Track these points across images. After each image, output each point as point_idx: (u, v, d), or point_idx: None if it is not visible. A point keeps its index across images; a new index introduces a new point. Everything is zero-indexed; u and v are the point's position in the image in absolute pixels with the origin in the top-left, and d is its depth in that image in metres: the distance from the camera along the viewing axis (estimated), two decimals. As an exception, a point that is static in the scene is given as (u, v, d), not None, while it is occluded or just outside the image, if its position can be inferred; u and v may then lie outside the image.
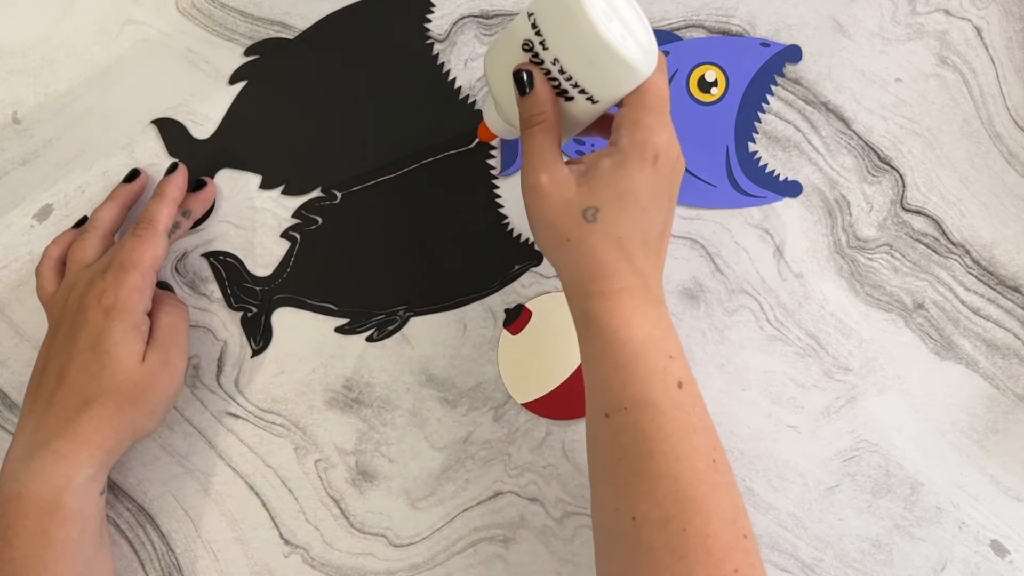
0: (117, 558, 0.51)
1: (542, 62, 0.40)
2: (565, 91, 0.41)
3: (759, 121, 0.53)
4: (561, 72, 0.40)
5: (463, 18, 0.54)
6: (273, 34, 0.54)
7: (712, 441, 0.41)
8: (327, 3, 0.54)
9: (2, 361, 0.53)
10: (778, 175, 0.53)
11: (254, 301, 0.53)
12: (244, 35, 0.54)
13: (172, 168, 0.52)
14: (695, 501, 0.39)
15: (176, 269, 0.53)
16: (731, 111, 0.53)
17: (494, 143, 0.53)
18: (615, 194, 0.41)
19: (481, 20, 0.54)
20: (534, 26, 0.40)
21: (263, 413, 0.53)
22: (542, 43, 0.40)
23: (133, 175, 0.52)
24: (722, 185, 0.53)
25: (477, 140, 0.53)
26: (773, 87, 0.53)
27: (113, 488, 0.52)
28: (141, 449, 0.52)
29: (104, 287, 0.46)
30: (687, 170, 0.53)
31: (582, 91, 0.41)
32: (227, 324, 0.53)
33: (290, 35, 0.54)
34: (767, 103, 0.53)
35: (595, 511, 0.43)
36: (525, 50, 0.41)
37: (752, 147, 0.53)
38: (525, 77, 0.41)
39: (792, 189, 0.53)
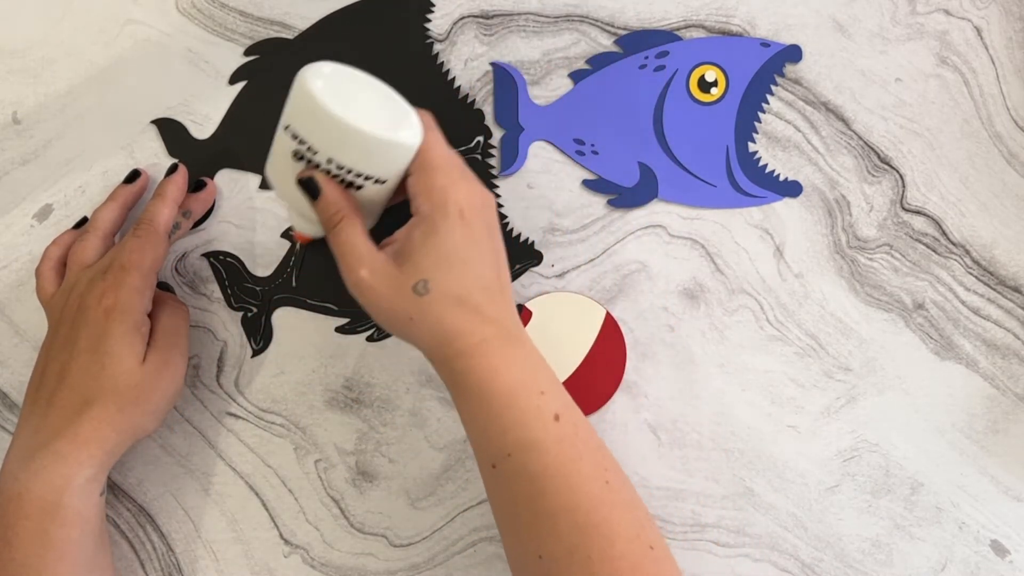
0: (117, 558, 0.51)
1: (319, 164, 0.41)
2: (352, 182, 0.42)
3: (759, 121, 0.53)
4: (340, 167, 0.41)
5: (463, 18, 0.54)
6: (273, 34, 0.54)
7: (602, 462, 0.42)
8: (327, 3, 0.54)
9: (2, 361, 0.53)
10: (778, 175, 0.53)
11: (254, 301, 0.53)
12: (244, 35, 0.54)
13: (172, 169, 0.52)
14: (595, 527, 0.40)
15: (176, 269, 0.53)
16: (731, 111, 0.53)
17: (493, 142, 0.53)
18: (435, 261, 0.41)
19: (481, 20, 0.54)
20: (295, 137, 0.41)
21: (263, 413, 0.53)
22: (309, 149, 0.41)
23: (133, 176, 0.52)
24: (722, 185, 0.53)
25: (476, 140, 0.53)
26: (773, 87, 0.53)
27: (113, 488, 0.52)
28: (141, 449, 0.52)
29: (104, 288, 0.46)
30: (687, 170, 0.53)
31: (367, 177, 0.42)
32: (227, 324, 0.53)
33: (290, 35, 0.54)
34: (767, 103, 0.53)
35: (508, 557, 0.43)
36: (299, 159, 0.42)
37: (752, 147, 0.53)
38: (310, 185, 0.42)
39: (792, 189, 0.53)
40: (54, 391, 0.45)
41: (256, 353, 0.53)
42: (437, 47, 0.54)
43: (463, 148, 0.53)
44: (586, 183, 0.53)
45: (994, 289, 0.54)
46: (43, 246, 0.51)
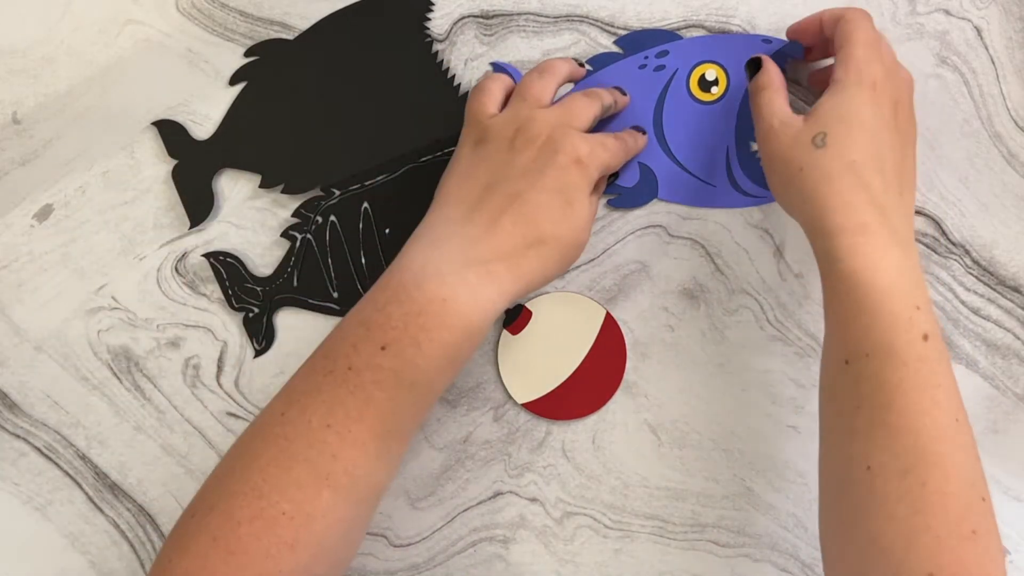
0: (117, 558, 0.51)
1: None
2: None
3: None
4: None
5: (463, 18, 0.54)
6: (273, 34, 0.54)
7: (956, 400, 0.40)
8: (327, 3, 0.54)
9: (2, 361, 0.53)
10: None
11: (255, 301, 0.53)
12: (244, 35, 0.54)
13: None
14: (936, 456, 0.38)
15: (176, 269, 0.53)
16: (732, 110, 0.53)
17: None
18: (838, 117, 0.43)
19: (481, 20, 0.54)
20: None
21: (263, 413, 0.52)
22: None
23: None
24: (722, 185, 0.53)
25: None
26: None
27: (113, 488, 0.52)
28: (141, 449, 0.52)
29: (581, 143, 0.45)
30: (687, 170, 0.53)
31: None
32: (227, 324, 0.53)
33: (290, 35, 0.54)
34: None
35: (824, 460, 0.42)
36: None
37: (754, 146, 0.53)
38: (755, 62, 0.48)
39: None
40: (503, 211, 0.43)
41: (259, 354, 0.53)
42: (437, 47, 0.54)
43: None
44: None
45: (994, 289, 0.54)
46: (43, 246, 0.51)
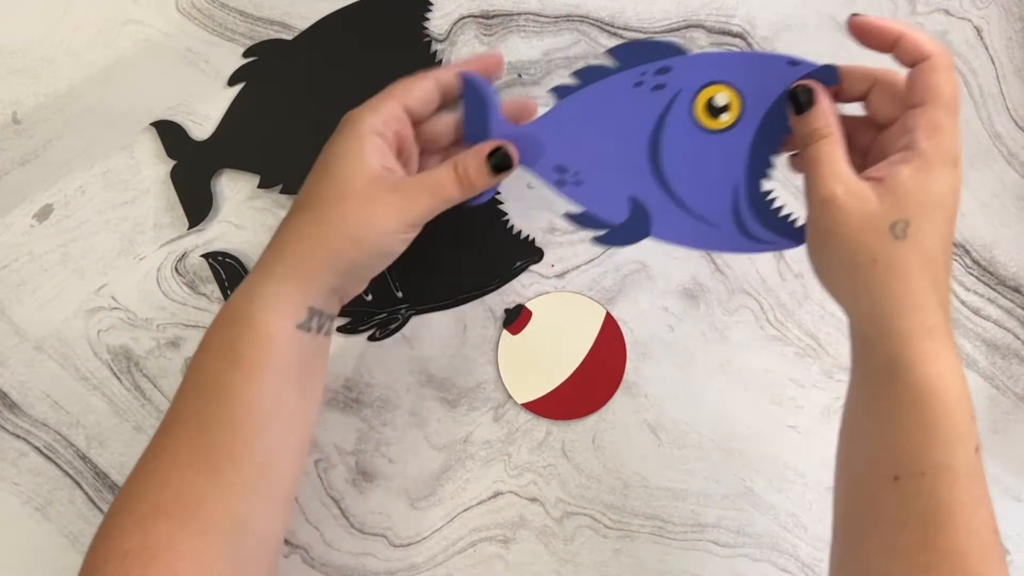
0: (117, 558, 0.51)
1: None
2: None
3: (776, 154, 0.43)
4: None
5: (463, 18, 0.54)
6: (273, 34, 0.54)
7: (992, 509, 0.38)
8: (327, 3, 0.54)
9: (2, 361, 0.53)
10: (795, 219, 0.43)
11: None
12: (244, 35, 0.54)
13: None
14: None
15: (176, 269, 0.53)
16: (744, 141, 0.44)
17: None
18: (924, 204, 0.36)
19: (481, 20, 0.54)
20: None
21: (263, 413, 0.52)
22: None
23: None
24: (726, 226, 0.44)
25: None
26: None
27: (113, 488, 0.52)
28: (141, 449, 0.52)
29: (367, 114, 0.42)
30: (686, 207, 0.45)
31: None
32: (227, 324, 0.53)
33: (290, 35, 0.54)
34: (788, 133, 0.43)
35: (844, 572, 0.40)
36: None
37: (766, 184, 0.44)
38: (805, 94, 0.40)
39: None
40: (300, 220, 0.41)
41: None
42: (436, 47, 0.54)
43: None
44: (568, 216, 0.45)
45: (994, 289, 0.54)
46: (43, 246, 0.51)
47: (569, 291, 0.53)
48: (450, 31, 0.54)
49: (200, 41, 0.54)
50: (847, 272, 0.38)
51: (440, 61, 0.54)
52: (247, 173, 0.53)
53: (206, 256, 0.53)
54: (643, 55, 0.44)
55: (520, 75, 0.54)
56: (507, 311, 0.53)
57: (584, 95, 0.44)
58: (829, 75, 0.42)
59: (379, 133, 0.42)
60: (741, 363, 0.53)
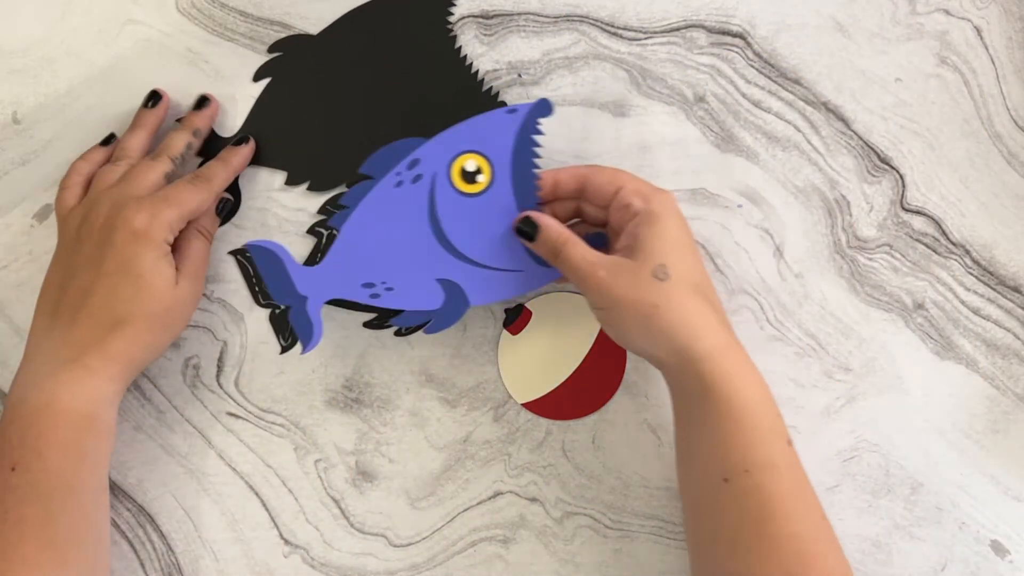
0: (117, 558, 0.51)
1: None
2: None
3: (537, 180, 0.48)
4: None
5: (463, 18, 0.54)
6: (273, 34, 0.54)
7: (815, 495, 0.42)
8: (327, 3, 0.54)
9: (2, 361, 0.53)
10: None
11: None
12: (244, 35, 0.54)
13: (202, 102, 0.53)
14: (815, 558, 0.40)
15: (176, 269, 0.53)
16: (506, 191, 0.48)
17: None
18: (668, 246, 0.43)
19: (481, 20, 0.54)
20: None
21: (263, 413, 0.53)
22: None
23: (153, 97, 0.52)
24: (528, 267, 0.49)
25: None
26: (536, 148, 0.48)
27: (113, 488, 0.52)
28: (141, 449, 0.52)
29: (137, 212, 0.46)
30: (488, 266, 0.49)
31: None
32: (227, 324, 0.53)
33: (289, 35, 0.54)
34: (539, 159, 0.48)
35: (701, 573, 0.43)
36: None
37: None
38: (528, 225, 0.46)
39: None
40: (78, 308, 0.45)
41: (284, 350, 0.53)
42: (460, 40, 0.54)
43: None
44: (395, 324, 0.50)
45: (994, 289, 0.54)
46: (43, 246, 0.51)
47: (569, 291, 0.53)
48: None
49: (200, 41, 0.54)
50: (641, 327, 0.43)
51: (464, 56, 0.53)
52: (273, 170, 0.53)
53: (233, 253, 0.53)
54: (390, 159, 0.49)
55: (520, 75, 0.54)
56: (507, 311, 0.53)
57: (357, 215, 0.49)
58: (543, 109, 0.48)
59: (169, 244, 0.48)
60: (741, 363, 0.53)
